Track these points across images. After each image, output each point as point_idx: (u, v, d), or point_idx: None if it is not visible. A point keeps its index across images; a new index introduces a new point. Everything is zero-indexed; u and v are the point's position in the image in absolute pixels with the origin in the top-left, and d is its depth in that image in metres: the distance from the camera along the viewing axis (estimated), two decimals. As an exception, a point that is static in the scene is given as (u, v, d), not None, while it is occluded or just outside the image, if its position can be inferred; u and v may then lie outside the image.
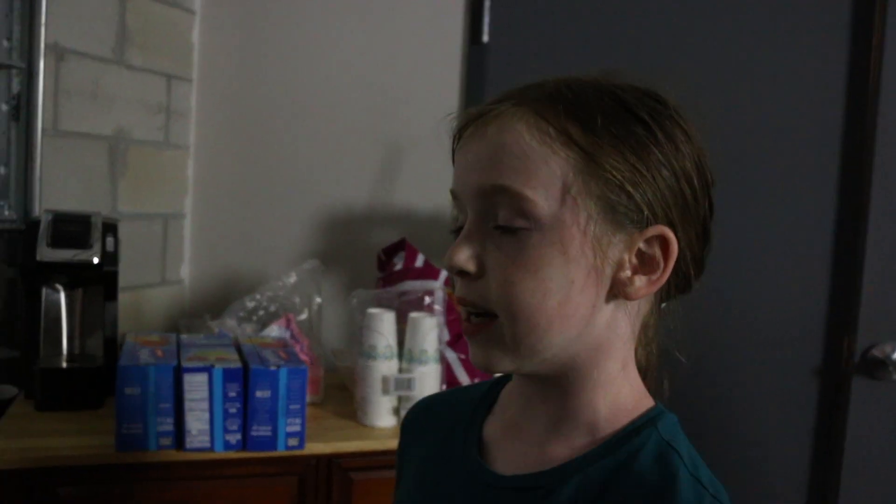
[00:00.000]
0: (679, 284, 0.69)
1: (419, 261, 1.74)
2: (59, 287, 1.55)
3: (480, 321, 0.65)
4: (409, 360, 1.53)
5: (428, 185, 2.03)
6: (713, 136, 0.69)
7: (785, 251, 1.95)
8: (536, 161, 0.62)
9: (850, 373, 1.92)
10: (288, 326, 1.66)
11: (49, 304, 1.55)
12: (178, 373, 1.33)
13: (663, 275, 0.64)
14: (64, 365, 1.53)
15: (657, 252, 0.64)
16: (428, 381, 1.53)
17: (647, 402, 0.69)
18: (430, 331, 1.53)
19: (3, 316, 1.64)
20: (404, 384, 1.51)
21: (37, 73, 1.62)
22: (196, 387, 1.33)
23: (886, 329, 1.90)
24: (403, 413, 1.51)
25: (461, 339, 1.65)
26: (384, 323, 1.52)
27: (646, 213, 0.63)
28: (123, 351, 1.40)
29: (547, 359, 0.65)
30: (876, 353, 1.89)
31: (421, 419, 0.86)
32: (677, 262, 0.65)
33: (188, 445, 1.34)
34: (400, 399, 1.53)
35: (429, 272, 1.70)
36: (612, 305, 0.65)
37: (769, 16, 1.97)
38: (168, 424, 1.33)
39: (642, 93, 0.66)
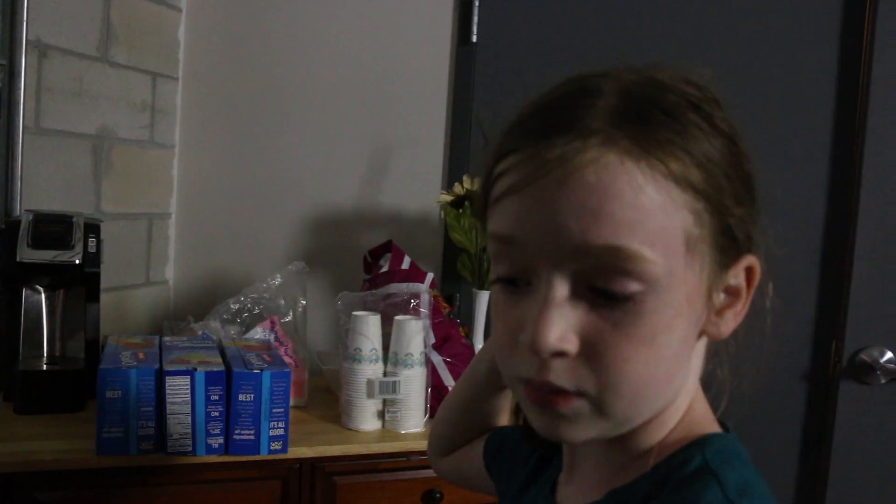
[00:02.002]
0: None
1: (405, 263, 1.73)
2: (40, 288, 1.53)
3: (561, 395, 0.55)
4: (394, 364, 1.52)
5: (416, 186, 2.02)
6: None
7: (772, 255, 1.94)
8: (655, 213, 0.51)
9: (838, 377, 1.92)
10: (272, 329, 1.64)
11: (30, 305, 1.53)
12: (160, 376, 1.31)
13: (745, 305, 0.58)
14: (44, 367, 1.51)
15: (742, 282, 0.58)
16: (413, 385, 1.51)
17: (709, 427, 0.61)
18: (415, 334, 1.52)
19: (-17, 317, 1.62)
20: (389, 387, 1.50)
21: (18, 71, 1.60)
22: (178, 390, 1.31)
23: (874, 333, 1.90)
24: (389, 417, 1.52)
25: (447, 342, 1.64)
26: (369, 326, 1.51)
27: (744, 248, 0.57)
28: (105, 353, 1.38)
29: (636, 423, 0.57)
30: (864, 357, 1.89)
31: (500, 453, 0.84)
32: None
33: (170, 449, 1.32)
34: (385, 402, 1.52)
35: (415, 275, 1.69)
36: (698, 346, 0.59)
37: (759, 17, 1.97)
38: (150, 428, 1.31)
39: (712, 98, 0.58)
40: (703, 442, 0.58)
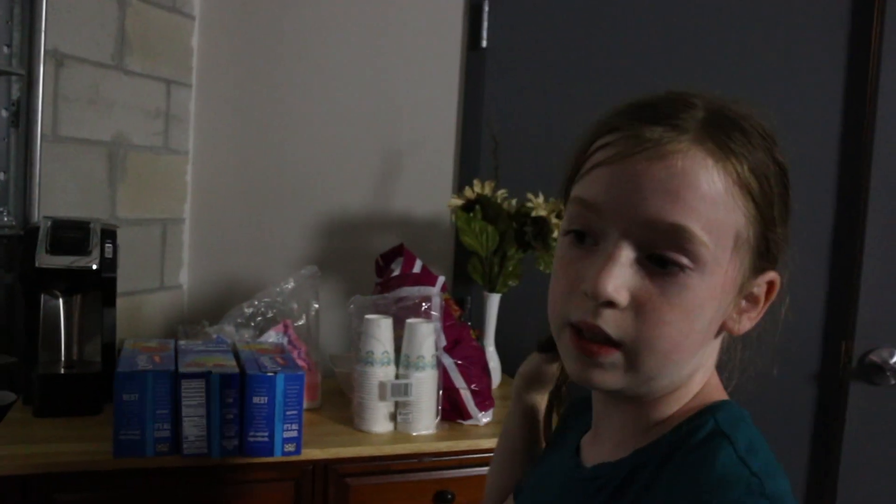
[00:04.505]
0: None
1: (417, 267, 1.74)
2: (58, 293, 1.56)
3: (603, 346, 0.64)
4: (405, 366, 1.54)
5: (427, 190, 2.04)
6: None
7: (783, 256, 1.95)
8: (721, 208, 0.62)
9: (848, 378, 1.92)
10: (286, 332, 1.66)
11: (47, 310, 1.56)
12: (176, 379, 1.33)
13: (761, 313, 0.68)
14: (62, 371, 1.54)
15: (762, 293, 0.67)
16: (425, 387, 1.53)
17: (719, 396, 0.70)
18: (427, 337, 1.53)
19: (1, 322, 1.65)
20: (401, 390, 1.51)
21: (36, 80, 1.63)
22: (193, 393, 1.33)
23: (884, 334, 1.90)
24: (400, 419, 1.53)
25: (458, 344, 1.65)
26: (381, 329, 1.52)
27: (775, 262, 0.67)
28: (121, 357, 1.41)
29: (654, 385, 0.67)
30: (874, 358, 1.90)
31: (571, 412, 0.92)
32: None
33: (185, 451, 1.34)
34: (397, 405, 1.54)
35: (426, 278, 1.70)
36: (716, 337, 0.68)
37: (767, 19, 1.98)
38: (165, 430, 1.34)
39: (773, 139, 0.67)
40: (714, 408, 0.66)
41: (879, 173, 1.89)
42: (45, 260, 1.47)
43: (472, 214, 1.81)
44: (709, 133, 0.63)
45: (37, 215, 1.64)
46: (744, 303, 0.67)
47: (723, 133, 0.63)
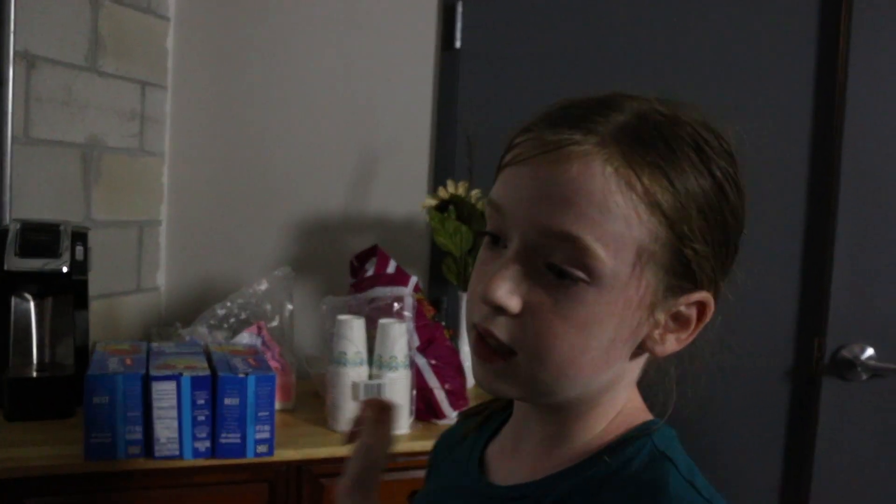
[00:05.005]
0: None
1: (391, 267, 1.75)
2: (29, 296, 1.55)
3: (497, 353, 0.62)
4: (378, 366, 1.54)
5: (402, 190, 2.04)
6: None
7: (754, 253, 1.96)
8: (618, 219, 0.57)
9: (821, 374, 1.94)
10: (259, 333, 1.67)
11: (18, 313, 1.55)
12: (147, 381, 1.33)
13: (692, 335, 0.63)
14: (34, 374, 1.53)
15: (693, 314, 0.63)
16: (398, 387, 1.53)
17: (645, 416, 0.68)
18: (399, 337, 1.54)
19: (-27, 325, 1.64)
20: (374, 390, 1.52)
21: (6, 81, 1.62)
22: (164, 395, 1.33)
23: (856, 330, 1.92)
24: (373, 419, 1.53)
25: (431, 344, 1.66)
26: (354, 329, 1.53)
27: (700, 283, 0.62)
28: (92, 360, 1.40)
29: (559, 399, 0.64)
30: (845, 353, 1.92)
31: (443, 444, 0.88)
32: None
33: (157, 454, 1.34)
34: (370, 405, 1.54)
35: (400, 279, 1.71)
36: (635, 356, 0.65)
37: (738, 20, 1.99)
38: (137, 433, 1.34)
39: (722, 149, 0.62)
40: (645, 428, 0.65)
41: (849, 170, 1.91)
42: (15, 263, 1.47)
43: (446, 215, 1.82)
44: (618, 138, 0.58)
45: (8, 218, 1.63)
46: (671, 323, 0.63)
47: (636, 140, 0.59)
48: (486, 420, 0.81)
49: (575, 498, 0.63)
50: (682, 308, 0.62)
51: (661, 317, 0.62)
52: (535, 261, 0.60)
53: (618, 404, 0.67)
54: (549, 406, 0.66)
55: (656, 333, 0.63)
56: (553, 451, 0.67)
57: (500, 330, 0.61)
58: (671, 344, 0.63)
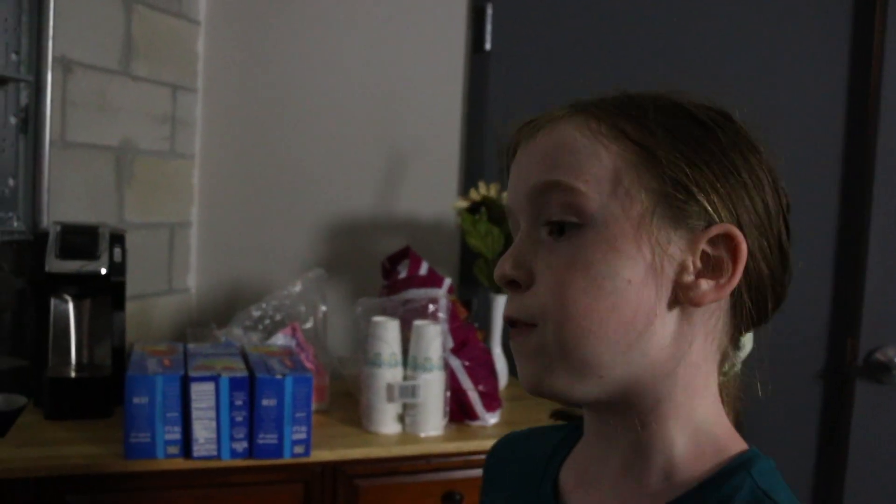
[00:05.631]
0: (755, 305, 0.62)
1: (423, 269, 1.75)
2: (68, 297, 1.57)
3: (517, 330, 0.62)
4: (413, 368, 1.55)
5: (432, 192, 2.05)
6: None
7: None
8: (587, 156, 0.59)
9: (854, 376, 1.92)
10: (293, 335, 1.67)
11: (58, 314, 1.57)
12: (186, 382, 1.34)
13: (732, 278, 0.58)
14: (73, 374, 1.55)
15: (724, 254, 0.58)
16: (432, 389, 1.54)
17: (739, 445, 0.62)
18: (434, 338, 1.54)
19: (12, 326, 1.66)
20: (409, 391, 1.52)
21: (44, 86, 1.64)
22: (203, 396, 1.34)
23: (890, 332, 1.90)
24: (408, 420, 1.54)
25: (465, 346, 1.66)
26: (388, 331, 1.53)
27: (709, 210, 0.58)
28: (131, 361, 1.42)
29: (604, 377, 0.59)
30: (879, 356, 1.90)
31: (501, 459, 0.81)
32: (751, 276, 0.60)
33: (195, 454, 1.35)
34: (404, 406, 1.55)
35: (433, 280, 1.71)
36: (676, 315, 0.59)
37: (770, 19, 1.98)
38: (175, 433, 1.35)
39: (705, 106, 0.63)
40: (744, 462, 0.59)
41: (883, 169, 1.90)
42: (55, 265, 1.49)
43: (477, 216, 1.82)
44: (590, 104, 0.62)
45: (46, 220, 1.65)
46: (700, 265, 0.59)
47: (604, 101, 0.62)
48: (564, 437, 0.74)
49: None
50: (707, 247, 0.59)
51: (680, 253, 0.58)
52: (538, 231, 0.61)
53: (693, 407, 0.61)
54: (614, 406, 0.61)
55: (686, 278, 0.58)
56: (633, 477, 0.62)
57: (516, 305, 0.61)
58: (709, 289, 0.58)
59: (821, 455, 2.01)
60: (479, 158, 2.02)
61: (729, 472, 0.58)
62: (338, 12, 2.02)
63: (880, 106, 1.89)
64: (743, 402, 0.68)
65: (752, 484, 0.57)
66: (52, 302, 1.56)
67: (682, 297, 0.58)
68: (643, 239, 0.58)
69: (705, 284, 0.58)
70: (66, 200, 1.72)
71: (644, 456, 0.61)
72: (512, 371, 1.91)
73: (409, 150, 2.05)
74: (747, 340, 0.66)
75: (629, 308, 0.57)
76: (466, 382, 1.61)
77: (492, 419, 1.62)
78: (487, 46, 2.00)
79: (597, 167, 0.59)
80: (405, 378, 1.55)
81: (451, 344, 1.63)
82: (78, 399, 1.51)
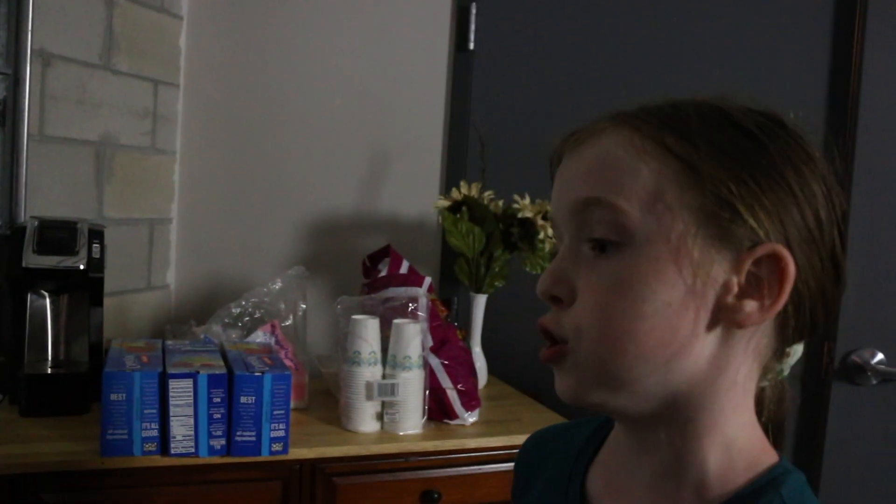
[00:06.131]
0: (801, 322, 0.60)
1: (404, 267, 1.75)
2: (45, 293, 1.56)
3: (554, 347, 0.61)
4: (392, 366, 1.55)
5: (414, 191, 2.05)
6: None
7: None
8: (630, 173, 0.58)
9: (831, 378, 1.94)
10: (273, 332, 1.67)
11: (34, 309, 1.55)
12: (164, 379, 1.34)
13: (778, 300, 0.57)
14: (49, 370, 1.54)
15: (770, 274, 0.57)
16: (411, 387, 1.54)
17: (769, 459, 0.61)
18: (413, 337, 1.54)
19: (-12, 321, 1.65)
20: (388, 390, 1.52)
21: (23, 79, 1.62)
22: (181, 392, 1.34)
23: (866, 335, 1.93)
24: (387, 419, 1.54)
25: (445, 345, 1.66)
26: (368, 329, 1.53)
27: (755, 229, 0.56)
28: (109, 357, 1.41)
29: (638, 391, 0.58)
30: (855, 358, 1.92)
31: (532, 459, 0.81)
32: (800, 294, 0.58)
33: (173, 451, 1.34)
34: (383, 404, 1.55)
35: (413, 279, 1.71)
36: (716, 336, 0.58)
37: (751, 23, 2.00)
38: (153, 430, 1.34)
39: (754, 111, 0.61)
40: (775, 479, 0.59)
41: (861, 174, 1.92)
42: (33, 259, 1.47)
43: (458, 216, 1.82)
44: (630, 115, 0.61)
45: (23, 215, 1.64)
46: (745, 286, 0.57)
47: (644, 111, 0.61)
48: (592, 432, 0.74)
49: None
50: (752, 267, 0.57)
51: (724, 274, 0.57)
52: (580, 247, 0.60)
53: (729, 424, 0.60)
54: (646, 425, 0.61)
55: (729, 299, 0.57)
56: (664, 493, 0.61)
57: (553, 321, 0.61)
58: (753, 311, 0.57)
59: (797, 456, 2.02)
60: (461, 158, 2.02)
61: (759, 490, 0.58)
62: (322, 9, 2.01)
63: (859, 109, 1.91)
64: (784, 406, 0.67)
65: (780, 502, 0.57)
66: (29, 297, 1.55)
67: (724, 319, 0.57)
68: (684, 261, 0.56)
69: (749, 306, 0.57)
70: (44, 195, 1.71)
71: (676, 470, 0.61)
72: (491, 370, 1.91)
73: (392, 148, 2.04)
74: (798, 347, 0.65)
75: (668, 330, 0.57)
76: (446, 381, 1.61)
77: (471, 418, 1.62)
78: (471, 46, 2.01)
79: (639, 185, 0.57)
80: (384, 376, 1.55)
81: (430, 343, 1.63)
82: (54, 395, 1.50)
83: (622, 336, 0.57)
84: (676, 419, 0.60)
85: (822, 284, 0.60)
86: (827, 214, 0.59)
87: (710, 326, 0.57)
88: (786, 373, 0.66)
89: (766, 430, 0.63)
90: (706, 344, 0.58)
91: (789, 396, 0.67)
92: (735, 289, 0.57)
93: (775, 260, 0.56)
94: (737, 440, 0.60)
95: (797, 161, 0.59)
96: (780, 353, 0.63)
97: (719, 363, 0.58)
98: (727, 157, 0.57)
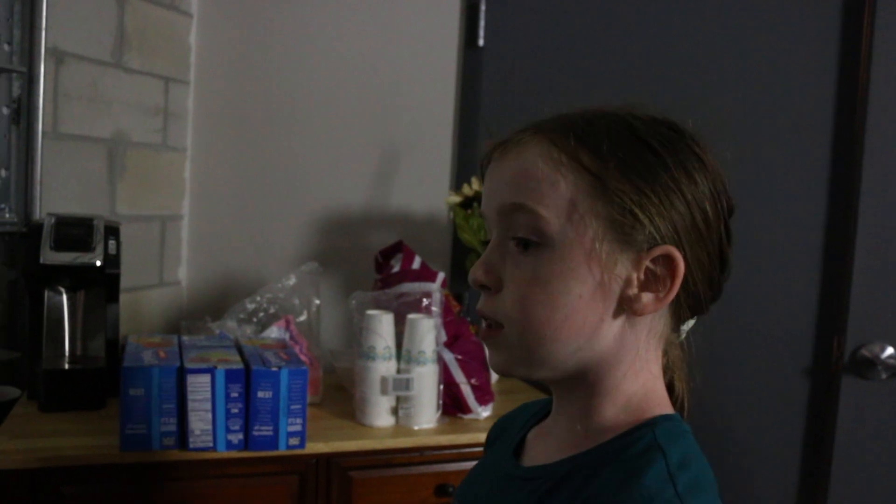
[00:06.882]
0: (692, 305, 0.71)
1: (416, 263, 1.76)
2: (62, 289, 1.57)
3: (489, 329, 0.71)
4: (407, 361, 1.55)
5: (424, 187, 2.06)
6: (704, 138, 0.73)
7: (775, 252, 1.98)
8: (548, 184, 0.67)
9: (840, 373, 1.95)
10: (287, 328, 1.68)
11: (51, 306, 1.57)
12: (182, 374, 1.35)
13: (670, 292, 0.67)
14: (66, 366, 1.55)
15: (664, 270, 0.67)
16: (426, 382, 1.55)
17: (662, 411, 0.71)
18: (427, 332, 1.55)
19: (5, 318, 1.66)
20: (402, 384, 1.53)
21: (37, 77, 1.63)
22: (199, 387, 1.35)
23: (875, 329, 1.93)
24: (402, 413, 1.55)
25: (458, 340, 1.67)
26: (383, 324, 1.54)
27: (652, 233, 0.66)
28: (127, 352, 1.42)
29: (556, 366, 0.70)
30: (865, 352, 1.92)
31: (492, 435, 0.94)
32: (687, 282, 0.68)
33: (191, 445, 1.36)
34: (398, 399, 1.55)
35: (426, 274, 1.72)
36: (620, 321, 0.69)
37: (760, 19, 2.00)
38: (171, 425, 1.35)
39: (657, 121, 0.70)
40: (654, 422, 0.69)
41: (871, 168, 1.92)
42: (50, 256, 1.48)
43: (469, 211, 1.83)
44: (550, 128, 0.70)
45: (38, 212, 1.65)
46: (643, 280, 0.67)
47: (562, 125, 0.69)
48: (543, 406, 0.86)
49: (574, 478, 0.68)
50: (649, 264, 0.67)
51: (626, 271, 0.67)
52: (507, 243, 0.70)
53: (627, 386, 0.71)
54: (564, 384, 0.73)
55: (630, 292, 0.68)
56: (575, 437, 0.72)
57: (489, 307, 0.71)
58: (649, 301, 0.68)
59: (806, 451, 2.03)
60: (471, 154, 2.03)
61: (637, 429, 0.68)
62: (332, 6, 2.02)
63: (868, 103, 1.92)
64: (693, 380, 0.78)
65: (651, 437, 0.67)
66: (46, 293, 1.56)
67: (626, 308, 0.68)
68: (594, 261, 0.67)
69: (646, 297, 0.68)
70: (58, 192, 1.72)
71: (582, 419, 0.72)
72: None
73: (403, 144, 2.05)
74: (690, 321, 0.76)
75: (580, 318, 0.67)
76: (459, 376, 1.62)
77: (484, 413, 1.63)
78: (481, 42, 2.01)
79: (557, 195, 0.67)
80: (399, 371, 1.56)
81: (444, 337, 1.64)
82: (72, 391, 1.51)
83: (543, 324, 0.67)
84: (586, 382, 0.71)
85: (708, 274, 0.71)
86: (714, 212, 0.69)
87: (616, 314, 0.68)
88: (682, 337, 0.76)
89: (670, 389, 0.75)
90: (612, 327, 0.69)
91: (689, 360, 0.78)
92: (635, 283, 0.68)
93: (668, 259, 0.67)
94: (634, 397, 0.71)
95: (691, 168, 0.69)
96: (676, 328, 0.74)
97: (623, 341, 0.70)
98: (632, 172, 0.66)
